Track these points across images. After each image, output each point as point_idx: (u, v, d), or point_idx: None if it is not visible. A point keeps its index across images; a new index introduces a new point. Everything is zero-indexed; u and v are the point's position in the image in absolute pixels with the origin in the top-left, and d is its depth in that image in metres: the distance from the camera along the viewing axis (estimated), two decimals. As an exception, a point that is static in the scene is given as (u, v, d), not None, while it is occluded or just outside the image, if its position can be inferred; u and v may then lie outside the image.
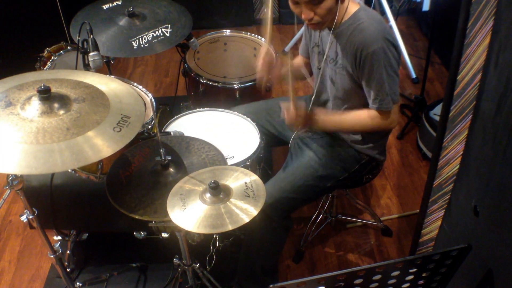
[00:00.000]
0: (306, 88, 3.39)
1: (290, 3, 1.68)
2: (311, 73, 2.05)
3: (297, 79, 2.12)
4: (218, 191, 1.43)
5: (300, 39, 3.65)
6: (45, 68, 2.42)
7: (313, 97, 1.98)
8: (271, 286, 1.13)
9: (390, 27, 3.39)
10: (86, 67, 1.86)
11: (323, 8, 1.63)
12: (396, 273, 1.24)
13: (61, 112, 1.34)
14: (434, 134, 2.57)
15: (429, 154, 2.73)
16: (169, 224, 1.46)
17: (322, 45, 1.85)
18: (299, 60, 2.12)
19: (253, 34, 2.64)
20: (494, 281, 1.24)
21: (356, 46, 1.67)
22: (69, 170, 1.92)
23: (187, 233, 1.68)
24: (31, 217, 1.54)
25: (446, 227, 1.53)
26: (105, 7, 2.21)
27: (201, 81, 2.38)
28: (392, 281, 1.26)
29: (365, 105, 1.79)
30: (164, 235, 1.90)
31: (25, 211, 1.54)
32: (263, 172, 2.12)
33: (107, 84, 1.51)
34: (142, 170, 1.66)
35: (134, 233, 2.11)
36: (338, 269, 1.19)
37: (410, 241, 1.94)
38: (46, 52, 2.50)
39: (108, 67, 2.37)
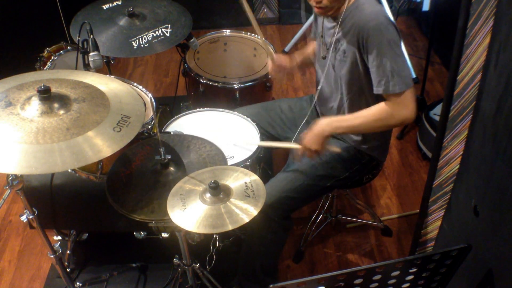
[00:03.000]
0: (306, 88, 3.39)
1: None
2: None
3: (308, 66, 2.16)
4: (218, 191, 1.43)
5: (300, 40, 3.70)
6: (45, 68, 2.42)
7: (319, 86, 1.95)
8: (271, 286, 1.13)
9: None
10: (86, 67, 1.86)
11: None
12: (396, 273, 1.24)
13: (61, 112, 1.34)
14: (434, 134, 2.57)
15: (429, 154, 2.73)
16: (169, 224, 1.46)
17: (324, 35, 1.85)
18: (312, 46, 2.12)
19: (253, 34, 2.64)
20: (494, 281, 1.24)
21: (358, 24, 1.66)
22: (69, 170, 1.93)
23: (187, 233, 1.68)
24: (31, 217, 1.54)
25: (446, 227, 1.53)
26: (105, 7, 2.21)
27: (201, 81, 2.38)
28: (392, 281, 1.26)
29: (371, 95, 1.74)
30: (164, 235, 1.90)
31: (25, 211, 1.54)
32: (263, 172, 2.12)
33: (107, 84, 1.51)
34: (143, 169, 1.66)
35: (134, 233, 2.11)
36: (338, 269, 1.19)
37: (410, 241, 1.94)
38: (46, 52, 2.50)
39: (108, 67, 2.38)
